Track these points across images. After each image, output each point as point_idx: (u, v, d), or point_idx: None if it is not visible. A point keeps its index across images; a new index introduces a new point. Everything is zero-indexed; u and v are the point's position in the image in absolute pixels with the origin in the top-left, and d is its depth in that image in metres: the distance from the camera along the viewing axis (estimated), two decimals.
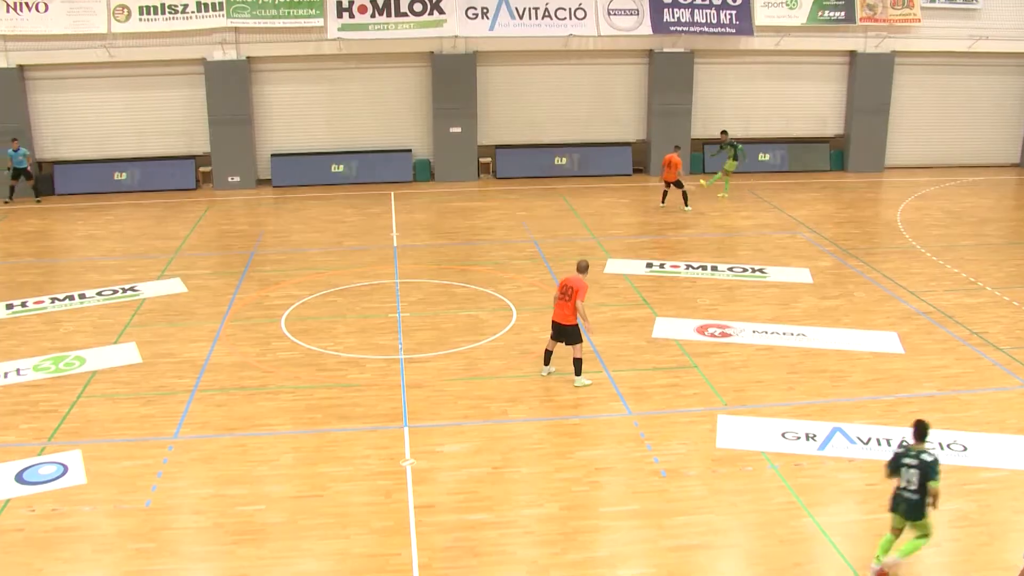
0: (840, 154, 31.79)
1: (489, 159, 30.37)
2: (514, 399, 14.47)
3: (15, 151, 26.83)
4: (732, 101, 30.87)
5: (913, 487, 10.04)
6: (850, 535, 11.10)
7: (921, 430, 10.19)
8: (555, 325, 14.75)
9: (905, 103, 31.57)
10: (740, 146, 26.74)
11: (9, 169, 27.10)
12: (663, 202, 26.16)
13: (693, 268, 20.81)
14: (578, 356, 14.78)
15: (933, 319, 17.95)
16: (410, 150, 30.04)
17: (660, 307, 18.42)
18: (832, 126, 31.75)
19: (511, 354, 16.20)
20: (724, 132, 27.21)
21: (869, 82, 30.75)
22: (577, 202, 27.02)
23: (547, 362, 15.18)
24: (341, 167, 29.65)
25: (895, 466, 10.20)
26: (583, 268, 14.87)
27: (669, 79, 29.83)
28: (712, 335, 16.96)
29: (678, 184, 25.54)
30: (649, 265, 20.99)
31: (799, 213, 25.81)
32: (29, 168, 27.13)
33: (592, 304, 18.48)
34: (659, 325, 17.45)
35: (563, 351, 15.15)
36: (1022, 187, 30.55)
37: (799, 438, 13.20)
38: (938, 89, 31.75)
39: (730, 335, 16.97)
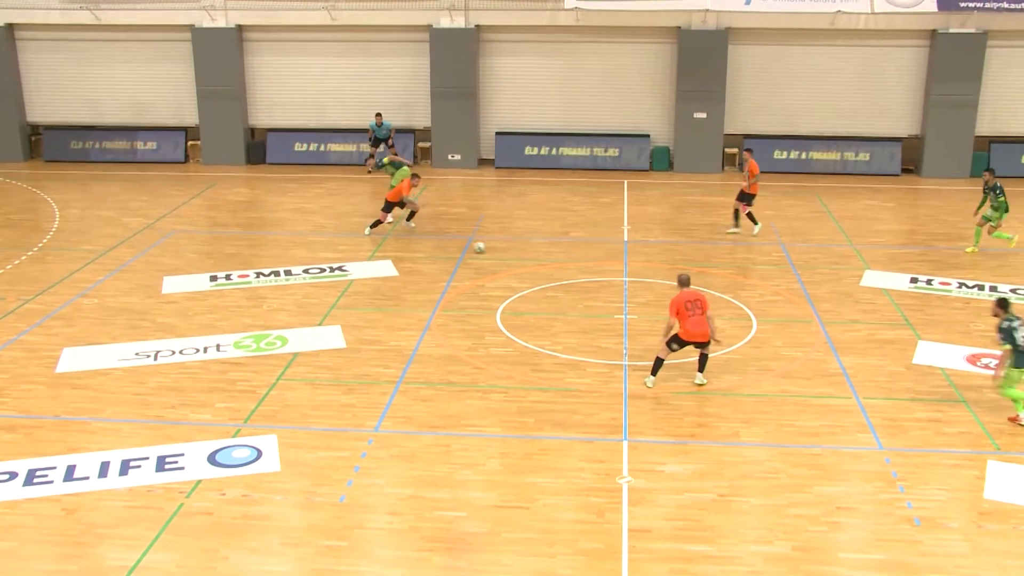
0: None
1: (735, 150, 29.83)
2: (748, 420, 14.17)
3: (378, 126, 28.94)
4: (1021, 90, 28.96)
5: None
6: None
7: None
8: (687, 343, 15.01)
9: None
10: (1003, 197, 21.55)
11: (370, 138, 29.25)
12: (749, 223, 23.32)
13: (968, 287, 19.67)
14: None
15: None
16: (648, 135, 29.96)
17: (924, 329, 17.54)
18: None
19: (748, 369, 15.86)
20: (990, 170, 22.18)
21: None
22: (833, 203, 26.13)
23: (655, 372, 15.27)
24: (571, 150, 29.93)
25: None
26: (687, 281, 15.22)
27: (953, 65, 28.29)
28: (987, 367, 15.93)
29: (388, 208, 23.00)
30: (914, 280, 20.02)
31: None
32: (391, 141, 29.13)
33: (844, 320, 17.85)
34: (922, 350, 16.64)
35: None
36: None
37: None
38: None
39: None
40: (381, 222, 22.86)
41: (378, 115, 29.02)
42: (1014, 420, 14.02)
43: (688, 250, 21.98)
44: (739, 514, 11.89)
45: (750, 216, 22.90)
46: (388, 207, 22.76)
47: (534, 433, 13.81)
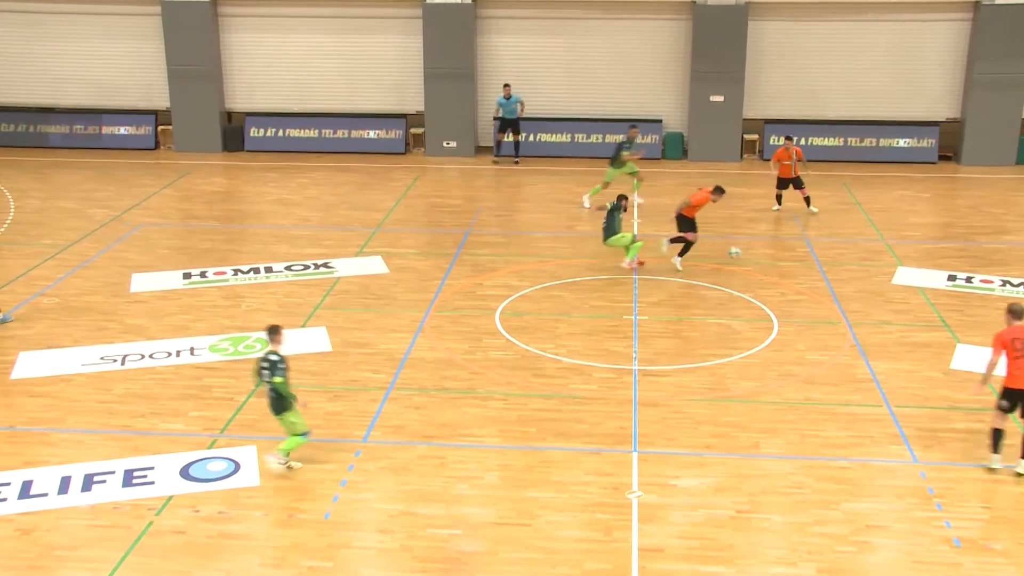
0: None
1: (756, 136, 29.82)
2: (769, 430, 14.16)
3: (507, 99, 28.82)
4: None
5: None
6: None
7: None
8: (1016, 393, 12.97)
9: None
10: None
11: (497, 119, 29.20)
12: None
13: (1013, 285, 19.67)
14: None
15: None
16: (660, 120, 29.98)
17: (963, 331, 17.52)
18: None
19: (768, 375, 15.86)
20: None
21: None
22: (863, 194, 26.14)
23: (996, 448, 13.14)
24: (576, 137, 29.94)
25: None
26: (1021, 314, 13.07)
27: (1000, 39, 28.17)
28: None
29: (795, 183, 24.04)
30: (952, 278, 20.01)
31: None
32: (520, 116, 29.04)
33: (874, 322, 17.84)
34: (961, 354, 16.63)
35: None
36: None
37: None
38: None
39: None
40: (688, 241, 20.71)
41: (506, 86, 28.84)
42: None
43: (703, 245, 21.87)
44: (759, 532, 11.89)
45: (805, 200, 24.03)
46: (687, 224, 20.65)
47: (536, 444, 13.81)
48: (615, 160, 24.56)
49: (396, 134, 30.29)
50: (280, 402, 12.89)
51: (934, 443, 13.85)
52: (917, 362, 16.32)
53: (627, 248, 20.16)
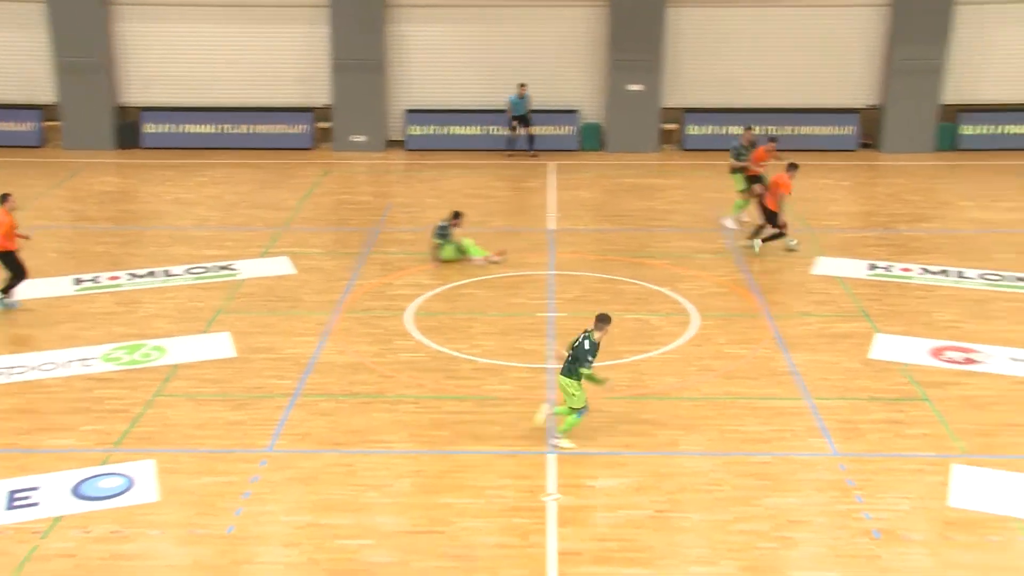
0: None
1: (675, 125, 30.09)
2: (688, 427, 14.33)
3: (520, 98, 28.84)
4: (1001, 55, 29.61)
5: None
6: None
7: None
8: None
9: None
10: None
11: (511, 117, 29.20)
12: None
13: (931, 273, 20.13)
14: None
15: None
16: (576, 111, 30.13)
17: (883, 321, 17.89)
18: None
19: (688, 370, 16.05)
20: None
21: None
22: None
23: None
24: (491, 130, 29.92)
25: None
26: None
27: (918, 25, 28.80)
28: (952, 360, 16.39)
29: (771, 218, 21.14)
30: (872, 267, 20.42)
31: None
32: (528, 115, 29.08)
33: (795, 314, 18.13)
34: (880, 344, 16.98)
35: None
36: None
37: None
38: None
39: (977, 361, 16.38)
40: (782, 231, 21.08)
41: (522, 86, 28.86)
42: None
43: (621, 239, 22.15)
44: (679, 532, 12.02)
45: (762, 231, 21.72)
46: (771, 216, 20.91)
47: (449, 448, 13.82)
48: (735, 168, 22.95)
49: (302, 129, 30.05)
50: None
51: (854, 435, 14.13)
52: (837, 353, 16.62)
53: (469, 249, 20.30)
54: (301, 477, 13.14)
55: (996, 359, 16.42)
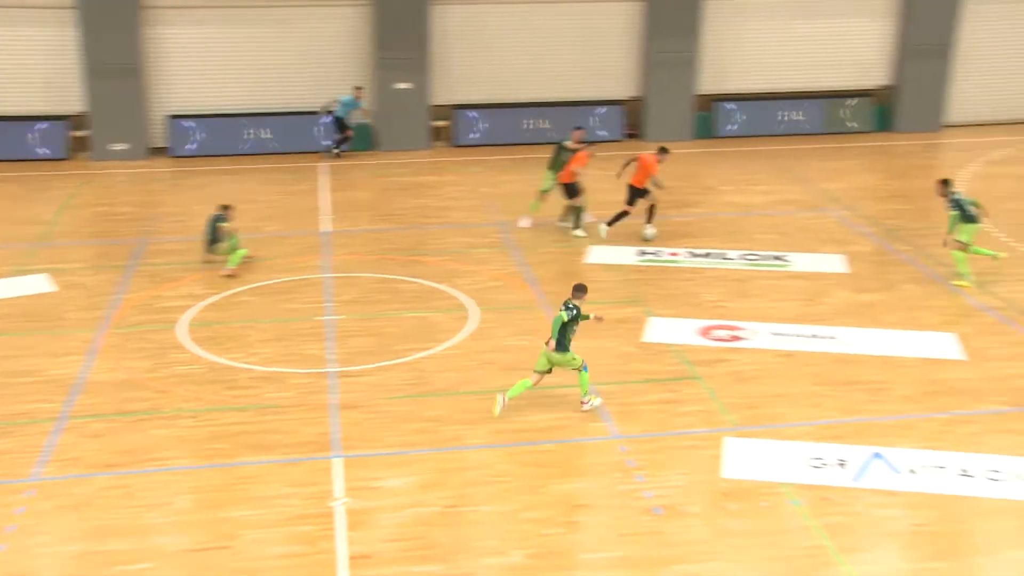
0: (886, 111, 32.07)
1: (446, 122, 30.36)
2: (472, 421, 14.50)
3: (356, 100, 28.60)
4: (750, 46, 31.09)
5: None
6: None
7: None
8: None
9: (973, 42, 31.74)
10: (966, 203, 19.26)
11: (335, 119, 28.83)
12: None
13: (697, 256, 20.96)
14: None
15: (1004, 315, 18.13)
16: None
17: (655, 304, 18.54)
18: (877, 75, 32.00)
19: (469, 365, 16.26)
20: (945, 182, 19.78)
21: (927, 16, 31.00)
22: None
23: None
24: (258, 133, 29.57)
25: None
26: None
27: (670, 19, 29.98)
28: (719, 339, 17.10)
29: (640, 194, 22.02)
30: (642, 253, 21.12)
31: (833, 186, 26.03)
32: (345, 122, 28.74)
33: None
34: (653, 327, 17.56)
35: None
36: None
37: (828, 466, 13.28)
38: (1016, 21, 32.07)
39: (742, 338, 17.13)
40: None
41: (358, 88, 28.59)
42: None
43: (397, 238, 22.24)
44: (469, 526, 12.19)
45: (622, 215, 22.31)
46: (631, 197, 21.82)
47: (231, 460, 13.63)
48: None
49: (55, 138, 28.95)
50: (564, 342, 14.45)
51: (632, 417, 14.57)
52: (613, 339, 17.08)
53: (234, 254, 20.17)
54: (73, 504, 12.68)
55: (759, 335, 17.22)
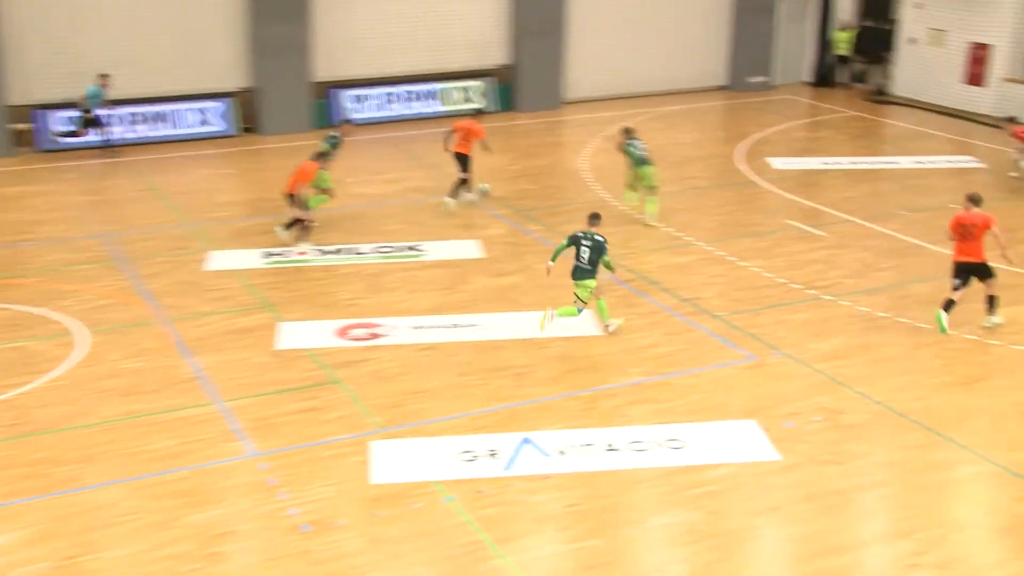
0: (507, 89, 33.02)
1: (26, 124, 28.32)
2: (88, 457, 13.69)
3: (102, 88, 27.34)
4: (364, 29, 31.14)
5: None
6: (552, 571, 11.44)
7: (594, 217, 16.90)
8: (962, 266, 16.95)
9: (582, 22, 33.42)
10: (634, 147, 22.54)
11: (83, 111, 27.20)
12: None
13: (327, 253, 20.79)
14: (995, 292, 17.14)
15: (634, 287, 19.00)
16: None
17: (286, 309, 18.21)
18: (494, 55, 32.87)
19: (81, 395, 15.35)
20: (627, 130, 23.24)
21: None
22: (161, 179, 26.18)
23: (948, 308, 16.96)
24: None
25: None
26: (977, 200, 16.92)
27: (277, 5, 29.51)
28: (357, 338, 17.02)
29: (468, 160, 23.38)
30: (268, 255, 20.72)
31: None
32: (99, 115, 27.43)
33: (192, 314, 17.92)
34: (285, 333, 17.26)
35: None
36: (729, 114, 33.20)
37: (480, 458, 13.46)
38: (621, 1, 34.04)
39: (381, 335, 17.13)
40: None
41: (103, 76, 27.40)
42: None
43: None
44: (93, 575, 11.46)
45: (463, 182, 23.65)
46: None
47: None
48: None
49: None
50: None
51: (270, 431, 14.23)
52: (243, 350, 16.66)
53: None
54: None
55: (398, 330, 17.26)
